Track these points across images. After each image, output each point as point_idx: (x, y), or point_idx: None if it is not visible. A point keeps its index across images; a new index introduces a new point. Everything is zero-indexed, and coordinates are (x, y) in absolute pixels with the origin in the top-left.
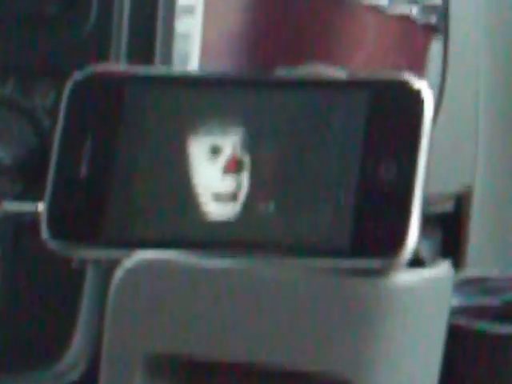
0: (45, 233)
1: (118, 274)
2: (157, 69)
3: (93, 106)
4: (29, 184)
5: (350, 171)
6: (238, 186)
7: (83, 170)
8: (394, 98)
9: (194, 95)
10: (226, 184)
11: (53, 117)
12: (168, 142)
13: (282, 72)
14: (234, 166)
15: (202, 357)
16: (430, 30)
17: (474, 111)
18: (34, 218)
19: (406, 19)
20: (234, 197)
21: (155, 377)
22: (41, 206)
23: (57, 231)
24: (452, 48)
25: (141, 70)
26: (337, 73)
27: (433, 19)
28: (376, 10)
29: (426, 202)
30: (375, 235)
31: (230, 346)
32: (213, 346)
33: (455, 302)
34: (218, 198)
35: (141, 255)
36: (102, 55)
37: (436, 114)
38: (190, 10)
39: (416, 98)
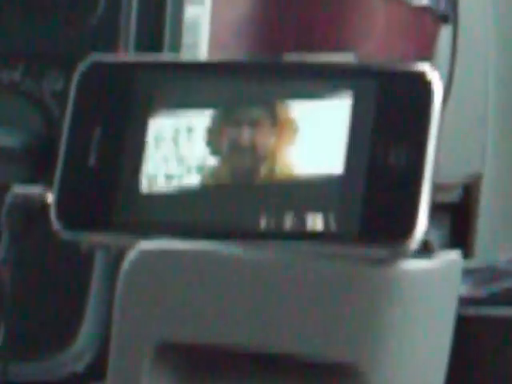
0: (54, 219)
1: (127, 260)
2: (165, 56)
3: (101, 93)
4: (37, 170)
5: (359, 158)
6: (244, 175)
7: (92, 158)
8: (403, 86)
9: (203, 82)
10: (232, 172)
11: (62, 104)
12: (176, 130)
13: (290, 58)
14: (241, 153)
15: (209, 345)
16: (439, 18)
17: (483, 100)
18: (43, 202)
19: (415, 8)
20: (239, 184)
21: (163, 365)
22: (50, 192)
23: (66, 218)
24: (461, 35)
25: (149, 57)
26: (345, 58)
27: (441, 7)
28: None
29: (435, 191)
30: (384, 222)
31: (237, 334)
32: (220, 334)
33: (463, 290)
34: (224, 185)
35: (143, 246)
36: (111, 43)
37: (445, 101)
38: None
39: (425, 86)
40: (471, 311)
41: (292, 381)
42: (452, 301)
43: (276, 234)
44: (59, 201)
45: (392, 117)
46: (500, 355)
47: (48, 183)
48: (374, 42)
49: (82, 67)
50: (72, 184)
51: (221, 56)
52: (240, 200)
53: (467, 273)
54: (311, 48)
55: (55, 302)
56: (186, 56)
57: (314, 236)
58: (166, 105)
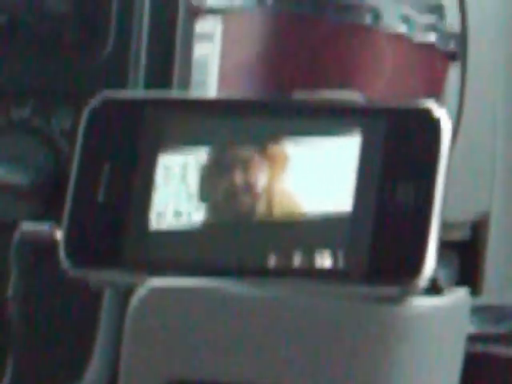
0: (63, 255)
1: (133, 302)
2: (174, 93)
3: (110, 130)
4: (46, 207)
5: (368, 196)
6: (254, 212)
7: (101, 195)
8: (412, 125)
9: (211, 120)
10: (242, 209)
11: (70, 141)
12: (185, 166)
13: (299, 97)
14: (251, 191)
15: (218, 382)
16: (448, 57)
17: (492, 138)
18: (51, 239)
19: (424, 46)
20: (249, 222)
21: None
22: (58, 229)
23: (74, 255)
24: (470, 75)
25: (158, 94)
26: (355, 98)
27: (451, 46)
28: (395, 36)
29: (443, 229)
30: (392, 261)
31: (246, 372)
32: (228, 373)
33: (472, 328)
34: (234, 223)
35: (153, 283)
36: (120, 81)
37: (453, 141)
38: (208, 37)
39: (434, 125)
40: (479, 349)
41: None
42: (460, 339)
43: (284, 272)
44: (68, 238)
45: (400, 155)
46: None
47: (57, 220)
48: (382, 81)
49: (91, 104)
50: (81, 221)
51: (230, 94)
52: (249, 237)
53: (475, 311)
54: (320, 87)
55: (63, 339)
56: (195, 94)
57: (323, 274)
58: (175, 141)
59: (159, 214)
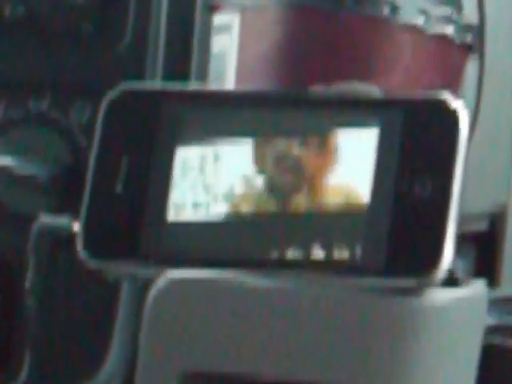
0: (81, 248)
1: (152, 293)
2: (191, 86)
3: (128, 123)
4: (64, 200)
5: (386, 189)
6: (273, 205)
7: (119, 187)
8: (430, 117)
9: (228, 113)
10: (261, 201)
11: (88, 134)
12: (203, 158)
13: (317, 90)
14: (269, 183)
15: (235, 375)
16: (466, 50)
17: (510, 130)
18: (69, 232)
19: (442, 38)
20: (267, 214)
21: None
22: (76, 221)
23: (92, 246)
24: (487, 67)
25: (175, 87)
26: (372, 91)
27: (469, 39)
28: (412, 29)
29: (461, 221)
30: (410, 253)
31: (263, 364)
32: (246, 364)
33: (489, 320)
34: (252, 216)
35: (172, 275)
36: (138, 73)
37: (471, 133)
38: (226, 29)
39: (452, 117)
40: (497, 341)
41: None
42: (478, 330)
43: (302, 265)
44: (86, 230)
45: (418, 147)
46: None
47: (75, 213)
48: (400, 74)
49: (109, 96)
50: (99, 213)
51: (247, 87)
52: (267, 230)
53: (493, 303)
54: (337, 80)
55: (81, 331)
56: (212, 86)
57: (341, 267)
58: (193, 133)
59: (177, 206)
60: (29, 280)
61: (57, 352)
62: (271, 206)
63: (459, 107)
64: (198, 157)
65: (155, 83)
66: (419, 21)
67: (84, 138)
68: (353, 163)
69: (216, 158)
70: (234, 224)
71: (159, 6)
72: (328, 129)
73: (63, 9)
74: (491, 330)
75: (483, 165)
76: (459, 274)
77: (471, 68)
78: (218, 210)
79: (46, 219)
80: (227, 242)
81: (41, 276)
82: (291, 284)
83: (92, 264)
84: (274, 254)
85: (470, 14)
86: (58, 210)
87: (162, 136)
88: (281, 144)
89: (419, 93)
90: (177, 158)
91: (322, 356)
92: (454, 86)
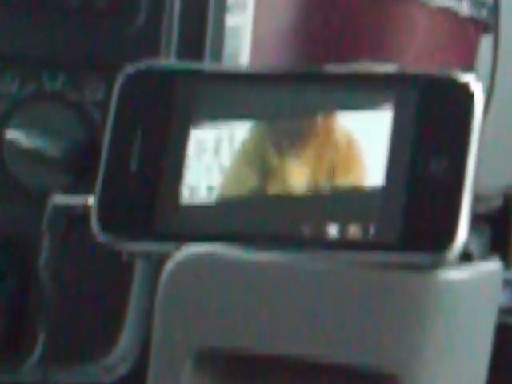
0: (95, 226)
1: (168, 267)
2: (207, 64)
3: (143, 100)
4: (78, 177)
5: (401, 166)
6: (285, 180)
7: (133, 164)
8: (444, 94)
9: (244, 92)
10: (272, 178)
11: (102, 111)
12: (216, 136)
13: (331, 68)
14: (284, 164)
15: (250, 350)
16: (480, 26)
17: None
18: (83, 210)
19: (456, 15)
20: (280, 190)
21: (204, 370)
22: (91, 200)
23: (107, 224)
24: (502, 44)
25: (191, 65)
26: (387, 68)
27: (483, 15)
28: (426, 5)
29: (475, 200)
30: (425, 230)
31: (278, 342)
32: (261, 340)
33: (503, 300)
34: (265, 191)
35: (191, 249)
36: (152, 49)
37: (486, 110)
38: (240, 6)
39: (466, 94)
40: (511, 320)
41: None
42: (492, 309)
43: (318, 243)
44: (100, 208)
45: (433, 125)
46: None
47: (89, 191)
48: (415, 52)
49: (123, 74)
50: (113, 191)
51: (262, 65)
52: (281, 209)
53: (507, 283)
54: (353, 58)
55: (95, 309)
56: (227, 64)
57: (355, 244)
58: (208, 113)
59: (191, 187)
60: (43, 258)
61: (71, 330)
62: (285, 186)
63: (474, 84)
64: (212, 137)
65: (170, 60)
66: None
67: (99, 116)
68: (367, 141)
69: (230, 139)
70: (248, 205)
71: None
72: (342, 107)
73: None
74: (505, 311)
75: (498, 142)
76: (473, 251)
77: (486, 44)
78: (231, 192)
79: (60, 197)
80: (240, 222)
81: (55, 254)
82: (306, 262)
83: (106, 242)
84: (290, 233)
85: None
86: (73, 187)
87: (176, 115)
88: (296, 123)
89: (434, 70)
90: (191, 137)
91: (335, 333)
92: (469, 62)
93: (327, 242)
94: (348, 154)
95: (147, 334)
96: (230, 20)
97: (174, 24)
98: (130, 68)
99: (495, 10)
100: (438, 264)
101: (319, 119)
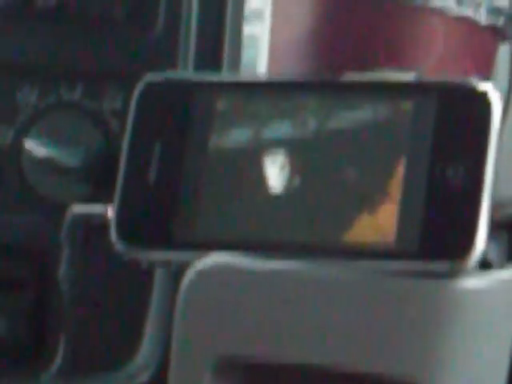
0: (114, 236)
1: (189, 275)
2: (224, 74)
3: (160, 111)
4: (97, 187)
5: (419, 174)
6: (305, 190)
7: (152, 174)
8: (462, 102)
9: (262, 101)
10: (291, 187)
11: (121, 120)
12: (235, 147)
13: (350, 76)
14: (300, 170)
15: (270, 359)
16: (497, 35)
17: None
18: (102, 220)
19: (473, 25)
20: (298, 200)
21: (224, 378)
22: (110, 209)
23: (126, 234)
24: None
25: (209, 76)
26: (405, 77)
27: (500, 23)
28: (443, 13)
29: (494, 207)
30: (444, 237)
31: (299, 348)
32: (281, 349)
33: None
34: (283, 200)
35: (211, 258)
36: (170, 59)
37: (504, 118)
38: (258, 15)
39: (484, 102)
40: None
41: None
42: (510, 317)
43: (337, 252)
44: (119, 218)
45: (451, 133)
46: None
47: (108, 201)
48: (433, 61)
49: (141, 85)
50: (132, 201)
51: (280, 74)
52: (301, 215)
53: None
54: (370, 66)
55: (115, 319)
56: (244, 73)
57: (374, 252)
58: (226, 123)
59: (210, 196)
60: (63, 268)
61: (90, 339)
62: (304, 192)
63: (492, 93)
64: (231, 145)
65: (187, 71)
66: (449, 3)
67: (117, 125)
68: (385, 149)
69: (249, 146)
70: (267, 212)
71: None
72: (361, 113)
73: None
74: None
75: None
76: (492, 258)
77: (503, 53)
78: (251, 199)
79: (79, 206)
80: (259, 230)
81: (74, 264)
82: (325, 271)
83: (125, 252)
84: (308, 241)
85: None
86: (92, 197)
87: (194, 124)
88: (315, 131)
89: (452, 78)
90: (209, 146)
91: (354, 341)
92: (486, 70)
93: (346, 251)
94: (367, 160)
95: (168, 342)
96: (247, 29)
97: (192, 33)
98: (147, 78)
99: None
100: (456, 272)
101: (339, 125)
